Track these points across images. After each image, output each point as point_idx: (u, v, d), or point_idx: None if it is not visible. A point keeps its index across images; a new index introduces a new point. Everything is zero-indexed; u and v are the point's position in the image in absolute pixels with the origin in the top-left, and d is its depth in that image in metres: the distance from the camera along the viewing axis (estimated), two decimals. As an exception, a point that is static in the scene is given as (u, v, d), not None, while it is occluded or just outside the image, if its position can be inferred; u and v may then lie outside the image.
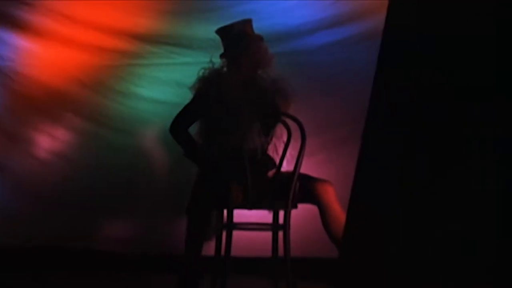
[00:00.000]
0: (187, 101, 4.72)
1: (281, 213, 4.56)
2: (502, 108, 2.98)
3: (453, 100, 3.07)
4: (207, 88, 4.64)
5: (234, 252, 4.47)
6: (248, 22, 4.74)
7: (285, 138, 4.69)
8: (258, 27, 4.81)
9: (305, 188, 4.58)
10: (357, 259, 3.26)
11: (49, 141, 5.58)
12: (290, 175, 4.51)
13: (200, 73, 4.70)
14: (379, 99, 3.29)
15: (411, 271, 3.09)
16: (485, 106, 3.01)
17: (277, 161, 4.73)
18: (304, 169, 4.56)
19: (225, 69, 4.72)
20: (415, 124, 3.13)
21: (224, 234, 4.54)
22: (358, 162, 3.27)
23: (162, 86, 5.54)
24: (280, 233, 4.55)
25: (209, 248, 4.61)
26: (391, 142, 3.17)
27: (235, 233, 4.50)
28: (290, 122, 4.57)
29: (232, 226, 4.49)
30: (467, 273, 2.97)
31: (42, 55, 5.59)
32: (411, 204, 3.11)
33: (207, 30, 5.27)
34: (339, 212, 4.50)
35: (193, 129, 4.76)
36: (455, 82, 3.07)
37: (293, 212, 4.53)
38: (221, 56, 4.74)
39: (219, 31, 4.77)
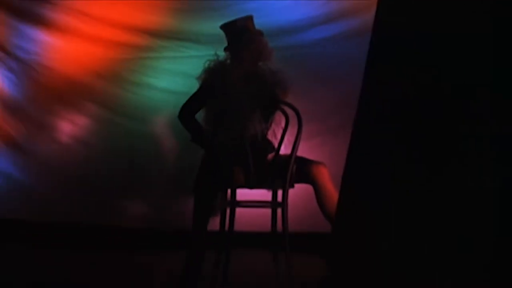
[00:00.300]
0: (194, 90, 4.81)
1: (280, 192, 4.62)
2: (498, 105, 3.03)
3: (448, 97, 3.11)
4: (212, 78, 4.73)
5: (237, 227, 4.59)
6: (249, 19, 4.82)
7: (283, 124, 4.76)
8: (258, 23, 4.88)
9: (301, 170, 4.65)
10: (348, 234, 3.39)
11: (70, 127, 5.77)
12: (287, 158, 4.56)
13: (206, 65, 4.77)
14: (369, 93, 3.38)
15: (395, 249, 3.19)
16: (481, 103, 3.06)
17: (276, 145, 4.80)
18: (300, 152, 4.62)
19: (228, 61, 4.80)
20: (408, 120, 3.20)
21: (228, 211, 4.62)
22: (349, 151, 3.37)
23: (172, 77, 5.68)
24: (279, 210, 4.60)
25: (214, 224, 4.64)
26: (381, 133, 3.25)
27: (238, 210, 4.61)
28: (288, 110, 4.64)
29: (235, 204, 4.61)
30: (463, 271, 3.04)
31: (63, 50, 5.76)
32: (402, 194, 3.18)
33: (212, 26, 5.35)
34: (332, 191, 4.58)
35: (200, 116, 4.82)
36: (451, 80, 3.12)
37: (290, 191, 4.59)
38: (225, 49, 4.83)
39: (223, 27, 4.84)
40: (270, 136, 4.86)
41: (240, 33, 4.79)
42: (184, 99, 4.91)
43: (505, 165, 2.90)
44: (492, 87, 2.98)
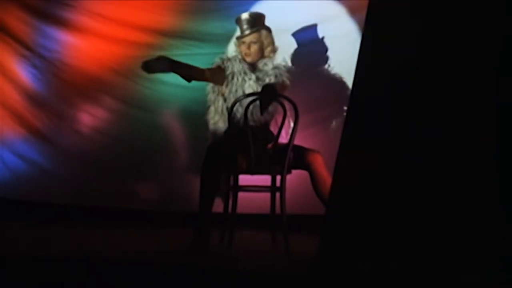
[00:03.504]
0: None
1: (278, 178, 4.65)
2: (499, 107, 2.95)
3: (448, 99, 3.06)
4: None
5: (239, 209, 4.57)
6: (261, 15, 4.86)
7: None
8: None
9: (298, 157, 4.66)
10: (339, 215, 3.36)
11: (88, 118, 5.77)
12: (285, 146, 4.60)
13: (214, 60, 4.83)
14: (360, 89, 3.35)
15: (380, 227, 3.16)
16: (482, 105, 2.99)
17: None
18: (297, 141, 4.63)
19: (235, 55, 4.85)
20: (397, 114, 3.16)
21: (231, 194, 4.64)
22: (341, 142, 3.33)
23: (180, 73, 5.66)
24: (277, 194, 4.65)
25: (218, 206, 4.66)
26: (371, 125, 3.23)
27: (240, 194, 4.61)
28: (286, 102, 4.64)
29: (237, 188, 4.61)
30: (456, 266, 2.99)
31: (82, 48, 5.77)
32: (388, 179, 3.15)
33: (216, 26, 5.51)
34: (326, 176, 4.57)
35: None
36: (447, 80, 3.06)
37: (288, 176, 4.62)
38: (237, 38, 4.88)
39: (236, 20, 4.86)
40: (272, 126, 4.88)
41: (247, 24, 4.81)
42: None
43: (504, 167, 2.83)
44: (492, 88, 2.90)
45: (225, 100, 4.80)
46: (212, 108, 4.85)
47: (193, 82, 4.79)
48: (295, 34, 5.47)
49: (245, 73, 4.78)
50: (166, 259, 4.23)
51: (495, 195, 2.89)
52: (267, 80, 4.76)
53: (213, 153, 4.58)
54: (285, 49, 5.25)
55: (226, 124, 4.74)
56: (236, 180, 4.61)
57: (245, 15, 4.82)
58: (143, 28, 5.66)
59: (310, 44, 5.48)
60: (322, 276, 3.34)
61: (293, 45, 5.47)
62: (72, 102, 5.78)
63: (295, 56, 5.45)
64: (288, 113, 4.70)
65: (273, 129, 4.86)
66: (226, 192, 4.73)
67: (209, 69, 4.78)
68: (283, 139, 4.78)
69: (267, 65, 4.82)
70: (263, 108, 4.50)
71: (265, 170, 4.65)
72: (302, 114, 4.60)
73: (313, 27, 5.46)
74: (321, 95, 5.44)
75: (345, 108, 4.89)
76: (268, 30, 4.84)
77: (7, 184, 5.80)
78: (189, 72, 4.61)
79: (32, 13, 5.79)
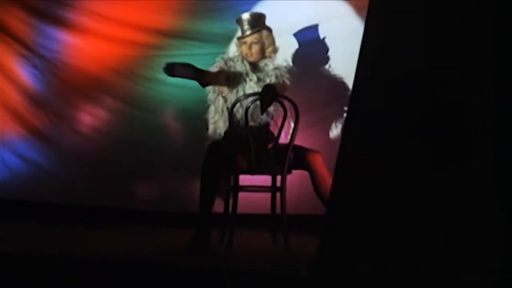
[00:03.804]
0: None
1: (278, 178, 4.67)
2: (499, 107, 2.95)
3: (448, 99, 3.06)
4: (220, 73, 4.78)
5: (240, 209, 4.59)
6: (261, 15, 4.87)
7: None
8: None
9: (298, 157, 4.67)
10: (340, 215, 3.36)
11: (88, 118, 5.78)
12: (286, 146, 4.62)
13: (215, 60, 4.85)
14: (361, 89, 3.35)
15: (380, 228, 3.16)
16: (482, 105, 2.99)
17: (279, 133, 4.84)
18: (297, 141, 4.65)
19: (236, 55, 4.88)
20: (398, 115, 3.16)
21: (231, 194, 4.66)
22: (342, 142, 3.33)
23: (181, 73, 5.66)
24: (278, 194, 4.67)
25: (219, 207, 4.66)
26: (371, 126, 3.23)
27: (240, 194, 4.62)
28: (286, 103, 4.63)
29: (238, 188, 4.62)
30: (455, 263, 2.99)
31: (82, 48, 5.78)
32: (388, 179, 3.15)
33: (216, 26, 5.51)
34: (326, 176, 4.58)
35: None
36: (451, 81, 3.05)
37: (288, 176, 4.65)
38: (238, 38, 4.89)
39: (237, 20, 4.87)
40: (272, 127, 4.88)
41: (248, 24, 4.82)
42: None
43: (505, 166, 2.83)
44: (493, 88, 2.89)
45: (225, 100, 4.82)
46: (212, 108, 4.87)
47: (193, 82, 4.77)
48: (296, 34, 5.47)
49: (247, 73, 4.81)
50: (166, 259, 4.23)
51: (495, 195, 2.89)
52: (267, 81, 4.78)
53: (213, 153, 4.59)
54: (286, 49, 5.24)
55: (226, 124, 4.77)
56: (236, 180, 4.61)
57: (246, 15, 4.84)
58: (143, 28, 5.67)
59: (311, 44, 5.49)
60: (322, 276, 3.34)
61: (293, 45, 5.48)
62: (72, 102, 5.80)
63: (296, 56, 5.45)
64: (288, 114, 4.70)
65: (273, 129, 4.86)
66: (226, 192, 4.74)
67: (220, 72, 4.78)
68: (283, 139, 4.77)
69: (268, 66, 4.85)
70: (263, 109, 4.51)
71: (265, 170, 4.67)
72: (302, 114, 4.62)
73: (314, 27, 5.46)
74: (321, 95, 5.44)
75: (346, 108, 4.90)
76: (269, 30, 4.86)
77: (7, 184, 5.80)
78: (208, 80, 4.65)
79: (32, 13, 5.80)
